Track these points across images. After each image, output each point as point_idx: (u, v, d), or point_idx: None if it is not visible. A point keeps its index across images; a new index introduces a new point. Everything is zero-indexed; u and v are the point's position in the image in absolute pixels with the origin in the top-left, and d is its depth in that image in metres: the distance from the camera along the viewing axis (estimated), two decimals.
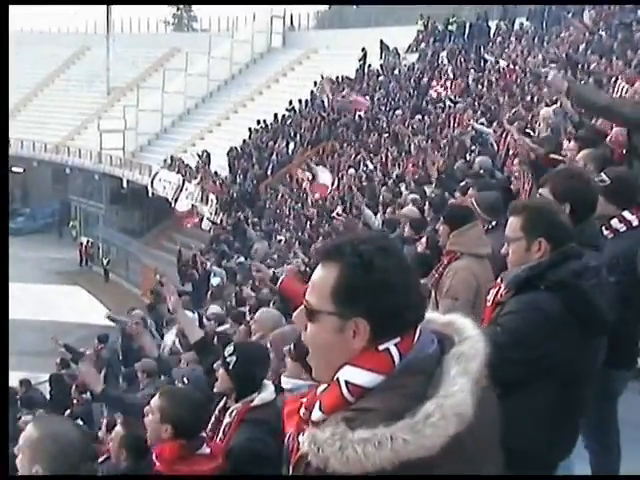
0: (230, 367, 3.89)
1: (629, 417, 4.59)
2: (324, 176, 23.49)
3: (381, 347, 1.75)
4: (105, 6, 48.10)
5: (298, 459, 1.76)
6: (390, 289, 1.74)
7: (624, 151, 6.55)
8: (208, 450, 3.73)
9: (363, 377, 1.73)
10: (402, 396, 1.69)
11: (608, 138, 6.98)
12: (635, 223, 4.44)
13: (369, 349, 1.75)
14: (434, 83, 25.79)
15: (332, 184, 22.92)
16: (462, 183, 9.48)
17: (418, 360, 1.76)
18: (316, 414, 1.77)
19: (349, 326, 1.75)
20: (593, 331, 3.33)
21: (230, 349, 3.98)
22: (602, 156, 5.91)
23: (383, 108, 27.19)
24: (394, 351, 1.74)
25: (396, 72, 30.11)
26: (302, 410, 1.88)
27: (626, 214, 4.41)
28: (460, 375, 1.71)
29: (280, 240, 20.27)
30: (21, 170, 45.67)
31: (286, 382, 3.29)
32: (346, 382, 1.74)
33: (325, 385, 1.82)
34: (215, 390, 4.04)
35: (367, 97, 28.84)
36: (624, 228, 4.37)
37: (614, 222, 4.36)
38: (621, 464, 4.40)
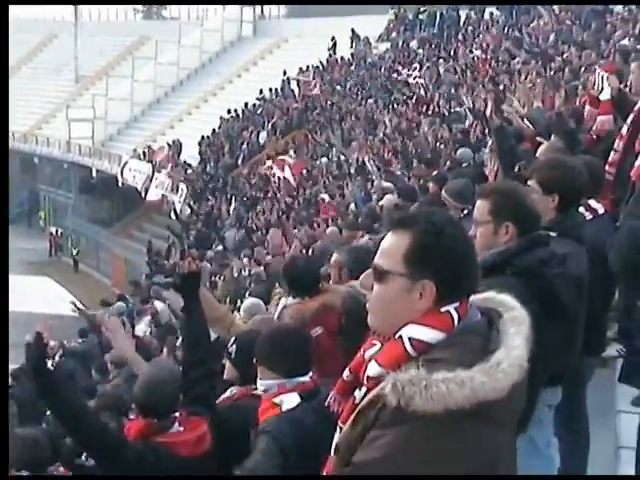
0: (232, 357, 4.04)
1: (596, 404, 4.64)
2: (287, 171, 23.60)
3: (443, 309, 1.94)
4: None
5: (370, 403, 1.90)
6: (456, 255, 1.94)
7: (595, 138, 6.63)
8: (181, 428, 3.80)
9: (427, 334, 1.92)
10: (466, 351, 1.88)
11: (595, 126, 7.01)
12: (601, 211, 4.48)
13: (432, 310, 1.94)
14: (404, 71, 25.82)
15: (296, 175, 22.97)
16: (434, 173, 9.53)
17: (475, 323, 1.97)
18: (374, 369, 1.93)
19: (417, 287, 1.94)
20: (555, 318, 3.38)
21: (232, 339, 4.14)
22: (561, 148, 5.98)
23: (355, 97, 27.19)
24: (454, 313, 1.94)
25: (368, 60, 30.12)
26: (346, 373, 2.10)
27: (592, 202, 4.45)
28: (517, 334, 1.94)
29: (252, 229, 20.24)
30: None
31: (259, 384, 3.44)
32: (410, 338, 1.92)
33: (375, 348, 2.00)
34: (224, 378, 4.17)
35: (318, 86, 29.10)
36: (590, 216, 4.40)
37: (580, 210, 4.38)
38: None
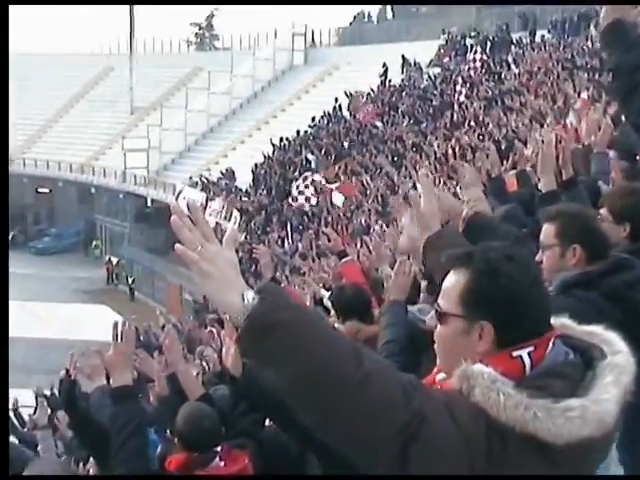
0: None
1: None
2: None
3: (515, 353, 1.80)
4: (128, 27, 48.73)
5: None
6: (514, 295, 1.81)
7: None
8: (222, 463, 3.75)
9: None
10: (548, 395, 1.72)
11: None
12: None
13: (504, 353, 1.81)
14: (457, 91, 25.82)
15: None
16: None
17: (558, 365, 1.81)
18: None
19: (475, 329, 1.84)
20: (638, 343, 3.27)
21: None
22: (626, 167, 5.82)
23: (406, 122, 27.22)
24: (527, 359, 1.80)
25: (418, 86, 30.18)
26: None
27: None
28: (613, 385, 1.76)
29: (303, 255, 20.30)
30: (47, 190, 46.14)
31: None
32: None
33: (442, 375, 1.94)
34: None
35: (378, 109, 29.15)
36: None
37: None
38: None
